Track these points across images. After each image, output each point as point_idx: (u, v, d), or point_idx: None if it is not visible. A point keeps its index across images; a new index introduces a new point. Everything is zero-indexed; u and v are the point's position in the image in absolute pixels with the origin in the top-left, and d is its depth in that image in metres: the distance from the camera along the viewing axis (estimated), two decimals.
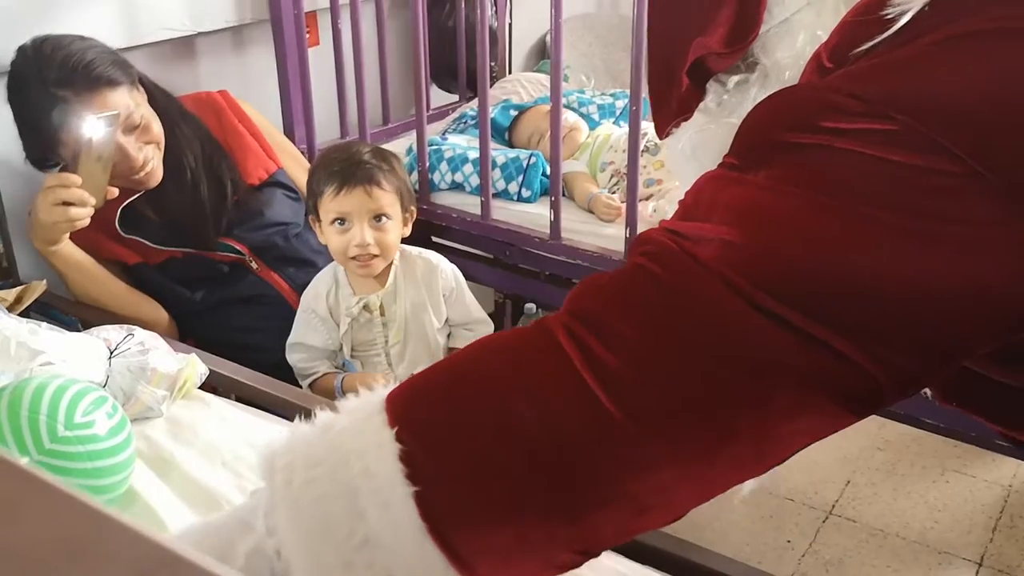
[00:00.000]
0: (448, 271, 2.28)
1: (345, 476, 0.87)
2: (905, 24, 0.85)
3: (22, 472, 0.48)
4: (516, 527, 0.86)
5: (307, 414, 0.93)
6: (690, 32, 1.03)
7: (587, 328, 0.86)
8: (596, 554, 0.91)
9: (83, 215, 2.01)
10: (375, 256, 2.12)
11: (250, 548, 0.92)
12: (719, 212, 0.88)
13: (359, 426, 0.90)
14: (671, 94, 1.09)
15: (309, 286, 2.26)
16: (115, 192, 2.08)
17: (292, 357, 2.24)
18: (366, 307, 2.19)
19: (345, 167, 2.11)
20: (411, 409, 0.89)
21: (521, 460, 0.85)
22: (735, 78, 1.07)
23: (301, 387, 2.21)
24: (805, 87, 0.92)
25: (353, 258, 2.12)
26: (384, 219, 2.12)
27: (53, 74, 2.01)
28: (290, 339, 2.25)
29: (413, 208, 2.22)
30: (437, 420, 0.88)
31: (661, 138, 1.17)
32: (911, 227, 0.81)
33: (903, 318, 0.83)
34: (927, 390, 1.09)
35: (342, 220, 2.11)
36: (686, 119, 1.10)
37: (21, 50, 2.06)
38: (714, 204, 0.89)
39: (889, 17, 0.85)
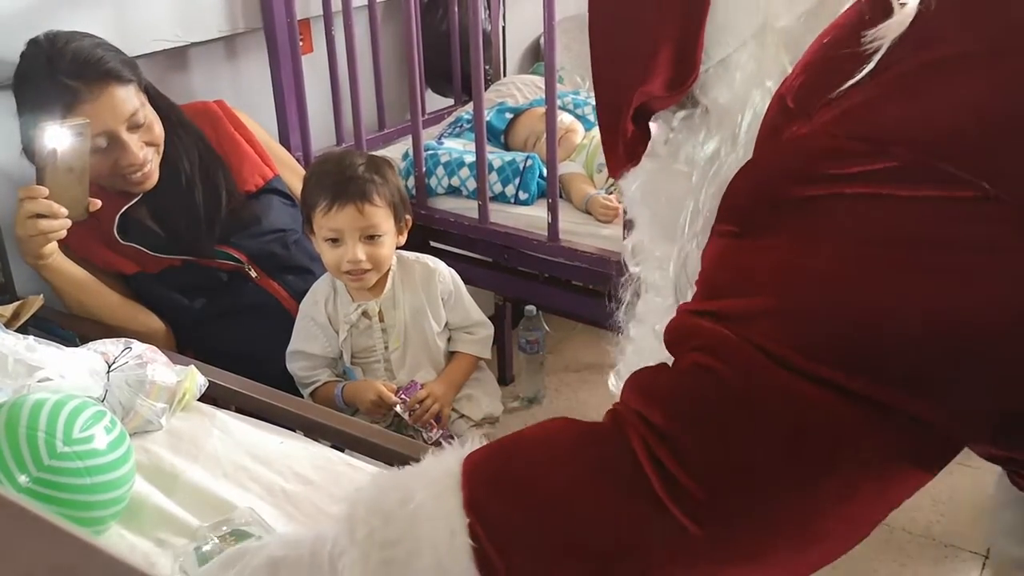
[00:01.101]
0: (446, 274, 2.28)
1: (419, 566, 0.90)
2: (879, 57, 0.85)
3: (12, 505, 0.47)
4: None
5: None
6: (632, 78, 1.04)
7: (663, 445, 0.85)
8: None
9: (55, 227, 1.99)
10: (368, 270, 2.11)
11: None
12: (753, 284, 0.87)
13: (435, 506, 0.91)
14: (618, 140, 1.09)
15: (307, 294, 2.26)
16: (97, 204, 2.08)
17: (292, 366, 2.24)
18: (365, 313, 2.19)
19: (337, 182, 2.09)
20: (486, 498, 0.90)
21: (594, 570, 0.86)
22: (681, 113, 1.08)
23: (302, 396, 2.21)
24: (796, 137, 0.91)
25: (347, 272, 2.11)
26: (376, 236, 2.12)
27: (65, 64, 2.02)
28: (290, 347, 2.24)
29: (408, 217, 2.22)
30: (511, 522, 0.89)
31: (615, 179, 1.18)
32: (942, 262, 0.80)
33: (965, 357, 0.81)
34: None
35: (334, 237, 2.11)
36: (635, 164, 1.10)
37: (33, 41, 2.07)
38: (742, 276, 0.89)
39: (863, 51, 0.86)
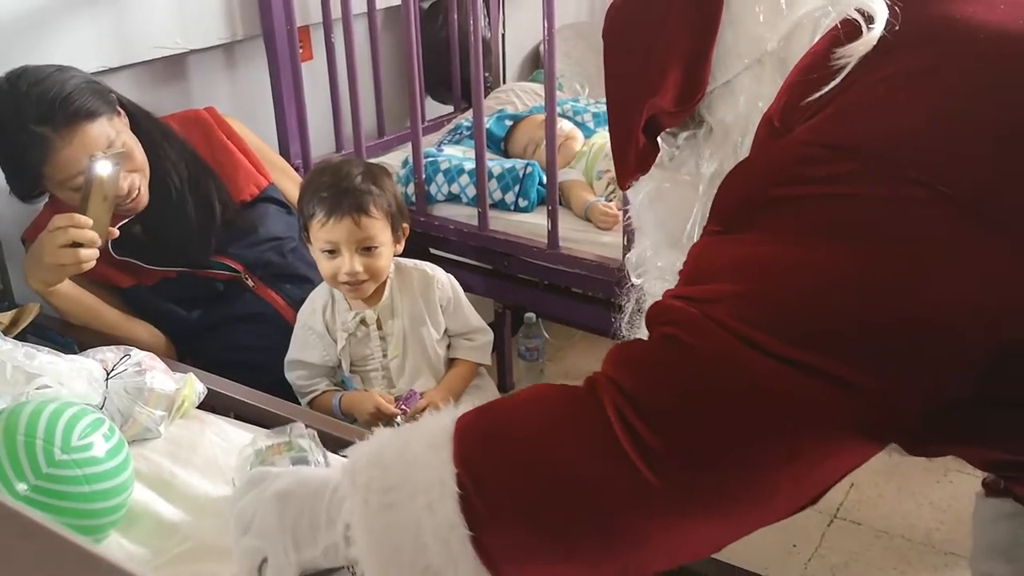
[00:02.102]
0: (444, 281, 2.27)
1: (413, 508, 1.00)
2: (845, 74, 0.96)
3: (12, 514, 0.47)
4: (561, 570, 0.98)
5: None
6: (644, 94, 1.13)
7: (631, 406, 0.94)
8: None
9: (92, 257, 1.98)
10: (364, 281, 2.11)
11: (329, 543, 1.08)
12: (725, 272, 0.97)
13: (429, 457, 1.01)
14: (629, 150, 1.18)
15: (305, 302, 2.25)
16: (115, 233, 2.08)
17: (291, 375, 2.23)
18: (363, 322, 2.19)
19: (334, 193, 2.08)
20: (473, 452, 1.00)
21: (568, 520, 0.96)
22: (684, 134, 1.17)
23: (300, 404, 2.20)
24: (775, 148, 1.01)
25: (343, 283, 2.11)
26: (373, 247, 2.11)
27: (32, 110, 1.99)
28: (288, 356, 2.24)
29: (406, 226, 2.21)
30: (494, 472, 0.98)
31: (623, 190, 1.27)
32: (888, 251, 0.90)
33: (901, 337, 0.90)
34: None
35: (331, 250, 2.11)
36: (644, 173, 1.19)
37: None
38: (716, 266, 0.99)
39: (832, 70, 0.97)
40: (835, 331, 0.90)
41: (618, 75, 1.22)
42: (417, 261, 2.29)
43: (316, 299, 2.23)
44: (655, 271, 1.29)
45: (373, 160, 2.74)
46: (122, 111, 2.17)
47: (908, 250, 0.90)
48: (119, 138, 2.10)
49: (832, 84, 0.97)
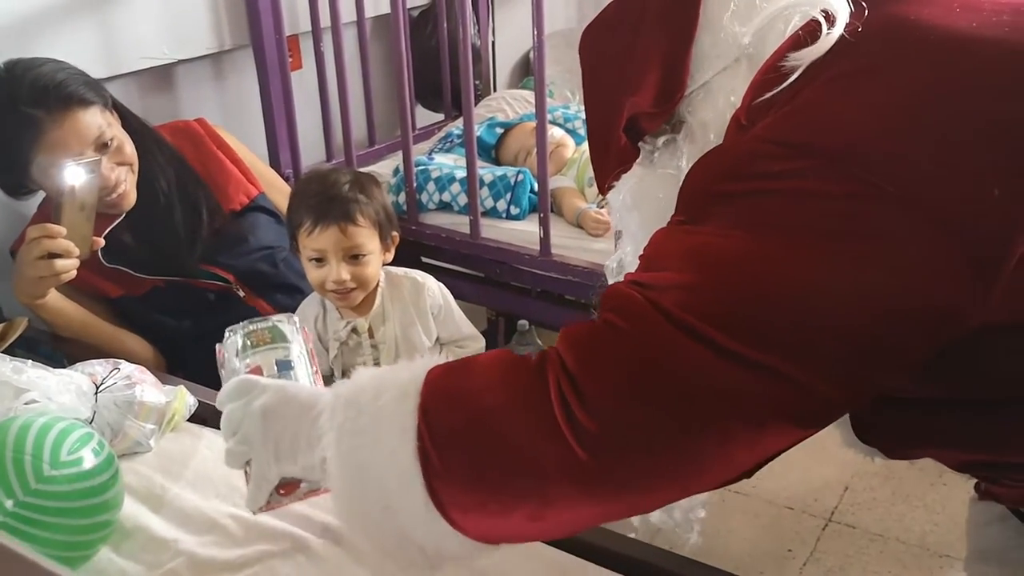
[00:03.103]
0: (435, 289, 2.26)
1: (377, 451, 1.07)
2: (799, 74, 1.00)
3: None
4: (502, 519, 1.05)
5: None
6: (624, 95, 1.17)
7: (569, 384, 0.99)
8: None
9: (69, 267, 1.97)
10: (353, 289, 2.11)
11: (307, 464, 1.16)
12: (675, 261, 1.02)
13: (396, 405, 1.07)
14: (610, 151, 1.22)
15: (295, 313, 2.24)
16: (101, 242, 2.06)
17: None
18: (354, 330, 2.18)
19: (321, 201, 2.08)
20: (433, 407, 1.06)
21: (506, 482, 1.03)
22: (663, 138, 1.19)
23: None
24: (733, 143, 1.07)
25: (331, 291, 2.11)
26: (360, 255, 2.10)
27: (25, 93, 1.99)
28: None
29: (395, 234, 2.20)
30: (448, 429, 1.05)
31: (603, 194, 1.31)
32: (835, 249, 0.94)
33: (841, 332, 0.95)
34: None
35: (318, 258, 2.10)
36: (625, 171, 1.23)
37: None
38: (669, 254, 1.03)
39: (790, 71, 1.01)
40: (771, 323, 0.95)
41: (597, 77, 1.26)
42: (407, 269, 2.29)
43: (307, 310, 2.23)
44: None
45: (364, 169, 2.73)
46: (114, 111, 2.17)
47: (849, 247, 0.94)
48: (110, 130, 2.10)
49: (787, 83, 1.01)
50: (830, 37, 1.00)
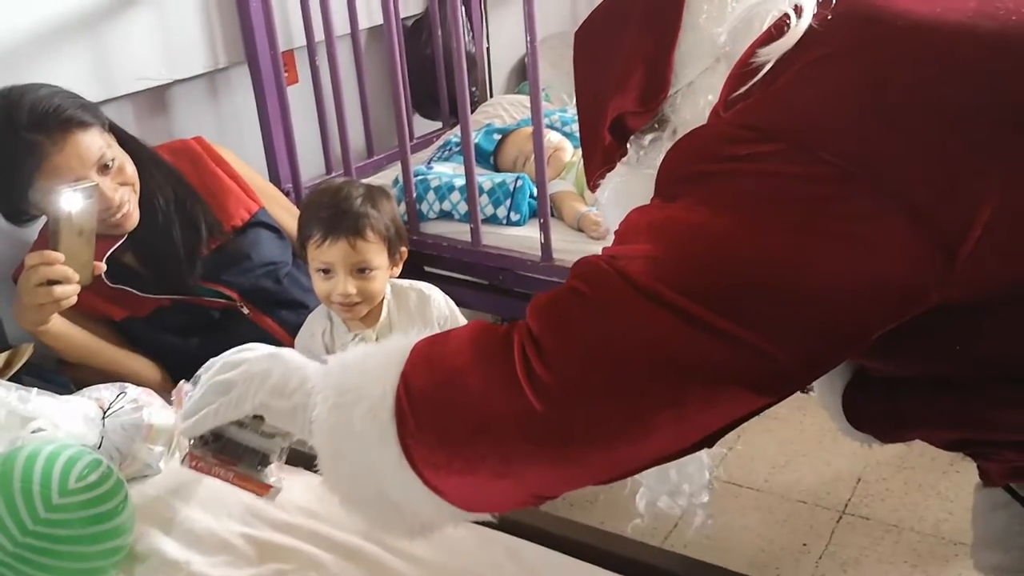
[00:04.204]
0: (440, 300, 2.26)
1: (358, 411, 1.13)
2: (771, 67, 1.04)
3: None
4: (470, 477, 1.09)
5: None
6: (609, 95, 1.21)
7: (532, 344, 1.05)
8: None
9: (69, 293, 1.96)
10: (358, 303, 2.11)
11: (298, 403, 1.21)
12: (643, 234, 1.06)
13: (382, 370, 1.14)
14: (596, 149, 1.26)
15: (302, 328, 2.25)
16: (103, 267, 2.06)
17: None
18: (362, 342, 2.18)
19: (331, 215, 2.08)
20: (413, 372, 1.12)
21: (471, 441, 1.08)
22: (650, 135, 1.23)
23: None
24: (705, 127, 1.11)
25: (337, 303, 2.11)
26: (368, 270, 2.10)
27: (24, 119, 1.98)
28: None
29: (404, 249, 2.21)
30: (423, 392, 1.11)
31: (592, 191, 1.35)
32: (799, 225, 0.97)
33: (800, 304, 0.99)
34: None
35: (326, 270, 2.10)
36: (610, 170, 1.27)
37: None
38: (639, 228, 1.08)
39: (757, 65, 1.05)
40: (733, 291, 0.99)
41: (585, 77, 1.29)
42: (413, 281, 2.29)
43: (314, 324, 2.23)
44: None
45: (363, 181, 2.73)
46: (110, 132, 2.17)
47: (813, 225, 0.97)
48: (111, 151, 2.10)
49: (759, 76, 1.04)
50: (797, 30, 1.03)
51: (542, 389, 1.03)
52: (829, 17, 1.04)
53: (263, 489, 1.36)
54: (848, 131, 0.98)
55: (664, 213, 1.06)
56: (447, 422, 1.10)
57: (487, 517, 1.23)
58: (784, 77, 1.03)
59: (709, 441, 1.08)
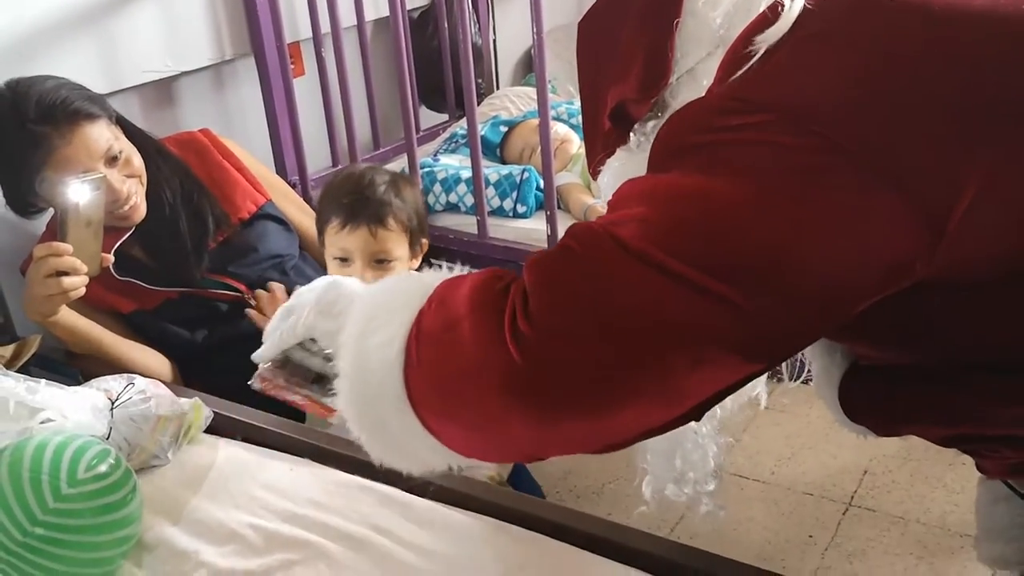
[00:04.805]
0: None
1: (375, 340, 1.15)
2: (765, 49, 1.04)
3: None
4: (457, 424, 1.12)
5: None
6: (610, 83, 1.21)
7: (521, 299, 1.05)
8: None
9: (77, 284, 1.97)
10: None
11: (322, 346, 1.30)
12: (635, 199, 1.06)
13: (406, 300, 1.16)
14: (597, 136, 1.26)
15: None
16: (110, 259, 2.06)
17: None
18: None
19: (354, 201, 2.05)
20: (426, 311, 1.14)
21: (459, 380, 1.09)
22: (651, 122, 1.22)
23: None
24: (697, 101, 1.11)
25: None
26: (387, 261, 2.07)
27: (31, 111, 1.99)
28: None
29: (424, 241, 2.17)
30: (427, 333, 1.12)
31: (593, 178, 1.35)
32: (788, 192, 0.98)
33: (787, 268, 0.99)
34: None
35: (343, 258, 2.07)
36: (609, 155, 1.27)
37: None
38: (632, 195, 1.08)
39: (752, 52, 1.05)
40: (719, 251, 0.99)
41: (587, 66, 1.29)
42: None
43: None
44: None
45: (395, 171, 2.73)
46: (117, 124, 2.18)
47: (803, 195, 0.98)
48: (118, 143, 2.11)
49: (753, 61, 1.05)
50: (791, 14, 1.04)
51: (523, 342, 1.03)
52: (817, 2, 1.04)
53: (328, 411, 1.35)
54: (838, 105, 0.99)
55: (657, 180, 1.07)
56: (441, 367, 1.11)
57: (485, 464, 1.26)
58: (776, 56, 1.04)
59: (696, 412, 1.07)
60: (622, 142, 1.25)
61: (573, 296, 1.03)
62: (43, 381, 1.64)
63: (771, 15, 1.05)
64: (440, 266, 1.26)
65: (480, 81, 3.68)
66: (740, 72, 1.05)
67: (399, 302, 1.17)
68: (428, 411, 1.13)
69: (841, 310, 1.04)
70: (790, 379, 1.47)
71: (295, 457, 1.70)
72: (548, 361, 1.03)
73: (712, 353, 1.01)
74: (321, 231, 2.12)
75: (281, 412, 1.85)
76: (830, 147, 0.97)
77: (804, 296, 1.01)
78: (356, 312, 1.21)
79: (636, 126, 1.24)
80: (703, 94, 1.13)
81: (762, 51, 1.04)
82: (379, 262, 2.06)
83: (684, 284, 0.98)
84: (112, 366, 2.05)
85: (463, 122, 3.20)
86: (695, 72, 1.15)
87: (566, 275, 1.05)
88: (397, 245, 2.07)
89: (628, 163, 1.26)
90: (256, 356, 1.38)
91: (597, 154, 1.29)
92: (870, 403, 1.30)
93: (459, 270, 1.24)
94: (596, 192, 2.75)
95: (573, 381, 1.03)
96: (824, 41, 1.03)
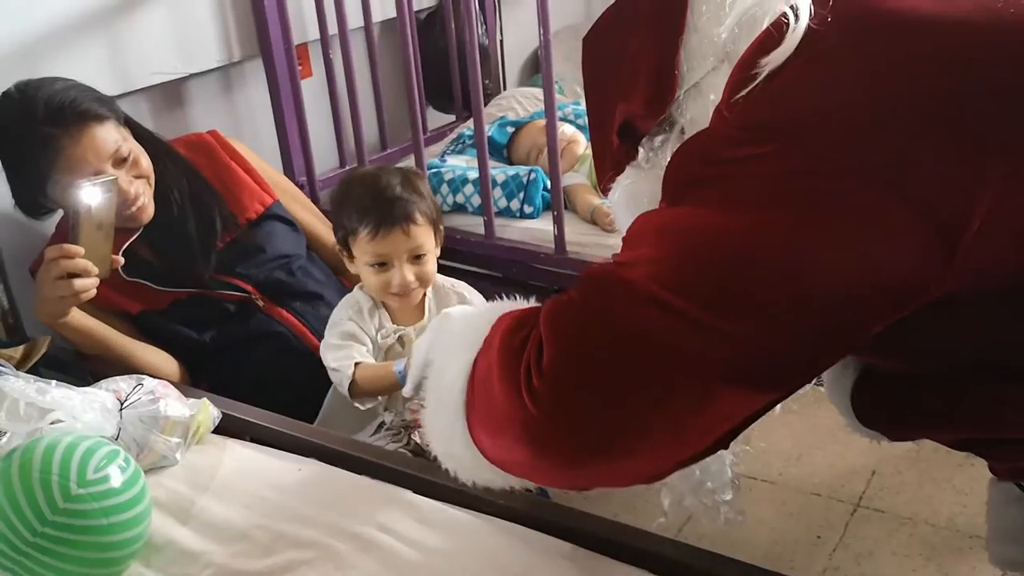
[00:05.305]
0: (478, 303, 2.22)
1: (446, 379, 1.23)
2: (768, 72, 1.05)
3: None
4: (507, 461, 1.17)
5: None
6: (617, 99, 1.23)
7: (535, 350, 1.09)
8: None
9: (88, 286, 1.97)
10: (415, 288, 2.08)
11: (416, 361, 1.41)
12: (646, 238, 1.09)
13: (471, 339, 1.22)
14: (606, 153, 1.28)
15: (343, 302, 2.19)
16: (120, 261, 2.07)
17: (337, 353, 2.11)
18: (400, 339, 2.14)
19: (379, 205, 2.04)
20: (482, 351, 1.19)
21: (497, 427, 1.14)
22: (659, 137, 1.24)
23: (322, 403, 2.17)
24: (707, 131, 1.12)
25: (394, 294, 2.08)
26: (422, 255, 2.08)
27: (40, 112, 2.00)
28: (330, 339, 2.13)
29: (441, 228, 2.17)
30: (479, 374, 1.18)
31: (605, 195, 1.37)
32: (798, 221, 0.98)
33: (799, 300, 0.99)
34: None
35: (381, 263, 2.06)
36: (619, 173, 1.28)
37: (5, 95, 2.06)
38: (644, 233, 1.10)
39: (762, 68, 1.05)
40: (729, 288, 1.00)
41: (594, 82, 1.31)
42: (454, 281, 2.23)
43: (361, 300, 2.16)
44: None
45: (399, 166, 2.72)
46: (126, 125, 2.18)
47: (813, 221, 0.98)
48: (126, 144, 2.11)
49: (758, 81, 1.05)
50: (795, 35, 1.04)
51: (537, 396, 1.06)
52: (828, 18, 1.04)
53: None
54: (845, 127, 0.99)
55: (668, 217, 1.08)
56: (486, 414, 1.16)
57: None
58: (781, 76, 1.04)
59: (724, 442, 1.08)
60: (631, 158, 1.27)
61: (581, 349, 1.06)
62: (53, 382, 1.65)
63: (776, 33, 1.05)
64: (514, 297, 1.33)
65: (487, 82, 3.68)
66: (746, 91, 1.05)
67: (465, 341, 1.23)
68: (485, 449, 1.19)
69: (855, 336, 1.04)
70: None
71: (303, 457, 1.70)
72: (561, 413, 1.07)
73: (723, 387, 1.02)
74: (346, 244, 2.10)
75: (289, 412, 1.86)
76: (839, 169, 0.97)
77: (818, 325, 1.01)
78: (437, 350, 1.30)
79: (644, 140, 1.25)
80: (708, 108, 1.13)
81: (769, 69, 1.04)
82: (416, 258, 2.07)
83: (695, 323, 1.00)
84: (121, 367, 2.05)
85: (470, 123, 3.20)
86: (701, 87, 1.16)
87: (574, 327, 1.08)
88: (427, 237, 2.08)
89: (638, 180, 1.27)
90: (405, 392, 1.54)
91: (607, 172, 1.30)
92: (882, 409, 1.29)
93: (522, 302, 1.30)
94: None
95: (586, 431, 1.06)
96: (826, 63, 1.03)
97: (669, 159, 1.14)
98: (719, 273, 1.00)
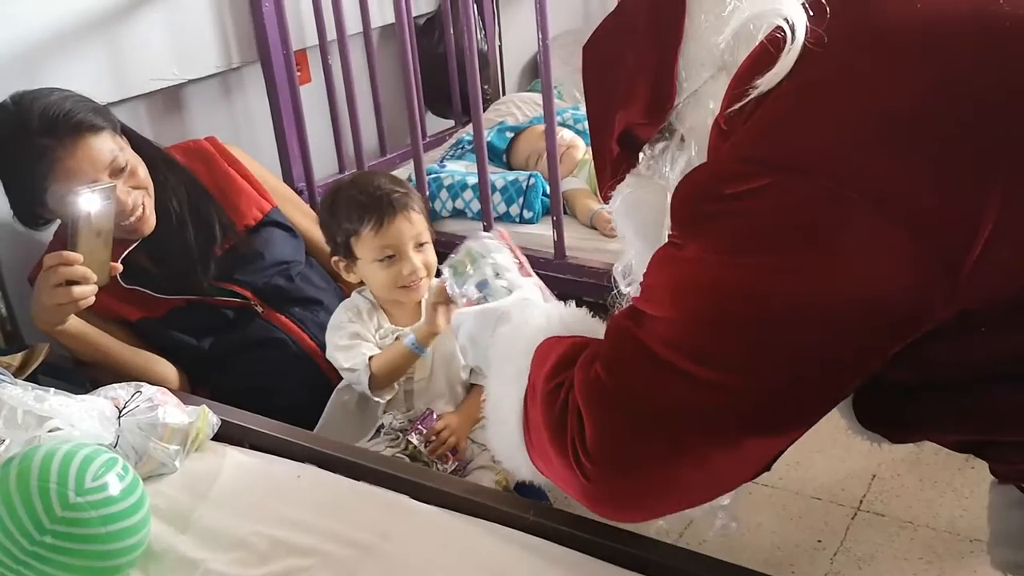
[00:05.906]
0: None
1: (504, 406, 1.33)
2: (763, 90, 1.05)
3: None
4: (557, 481, 1.25)
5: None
6: (616, 107, 1.23)
7: (576, 424, 1.15)
8: None
9: (87, 293, 1.96)
10: (422, 278, 2.11)
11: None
12: (662, 293, 1.11)
13: (517, 363, 1.31)
14: (606, 161, 1.29)
15: (342, 307, 2.21)
16: (119, 268, 2.06)
17: (348, 352, 2.14)
18: (398, 340, 2.14)
19: (375, 200, 2.07)
20: (528, 396, 1.28)
21: (555, 470, 1.22)
22: (659, 144, 1.25)
23: (316, 424, 2.17)
24: (709, 163, 1.14)
25: (403, 286, 2.10)
26: (424, 243, 2.12)
27: (35, 124, 1.99)
28: (335, 343, 2.16)
29: (431, 225, 2.22)
30: (531, 420, 1.27)
31: (605, 203, 1.38)
32: (796, 261, 1.00)
33: (814, 350, 1.02)
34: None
35: (390, 254, 2.09)
36: (620, 181, 1.29)
37: (1, 106, 2.05)
38: (660, 287, 1.13)
39: (757, 85, 1.05)
40: (742, 348, 1.04)
41: (593, 90, 1.32)
42: None
43: (359, 303, 2.19)
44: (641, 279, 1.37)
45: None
46: (123, 135, 2.17)
47: (818, 258, 1.00)
48: (123, 154, 2.10)
49: (754, 94, 1.06)
50: (790, 57, 1.04)
51: (589, 475, 1.14)
52: (824, 38, 1.04)
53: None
54: (843, 155, 0.99)
55: (678, 270, 1.11)
56: (543, 460, 1.27)
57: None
58: (774, 100, 1.05)
59: (765, 471, 1.16)
60: (631, 166, 1.28)
61: (617, 431, 1.12)
62: (51, 390, 1.65)
63: (772, 48, 1.06)
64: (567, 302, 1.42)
65: (486, 87, 3.69)
66: (740, 103, 1.07)
67: (509, 373, 1.33)
68: (547, 476, 1.29)
69: (867, 365, 1.07)
70: None
71: (302, 464, 1.70)
72: (612, 489, 1.16)
73: (749, 441, 1.09)
74: (347, 248, 2.12)
75: (288, 418, 1.86)
76: (838, 199, 0.97)
77: (831, 369, 1.06)
78: (491, 358, 1.41)
79: (644, 148, 1.27)
80: (707, 116, 1.15)
81: (762, 90, 1.05)
82: (419, 246, 2.11)
83: (704, 384, 1.05)
84: (119, 374, 2.05)
85: (469, 128, 3.21)
86: (700, 95, 1.17)
87: (606, 411, 1.14)
88: (425, 227, 2.13)
89: (638, 188, 1.29)
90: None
91: (607, 180, 1.31)
92: (884, 412, 1.29)
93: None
94: None
95: (637, 499, 1.17)
96: (823, 91, 1.04)
97: (675, 188, 1.15)
98: (723, 334, 1.05)
